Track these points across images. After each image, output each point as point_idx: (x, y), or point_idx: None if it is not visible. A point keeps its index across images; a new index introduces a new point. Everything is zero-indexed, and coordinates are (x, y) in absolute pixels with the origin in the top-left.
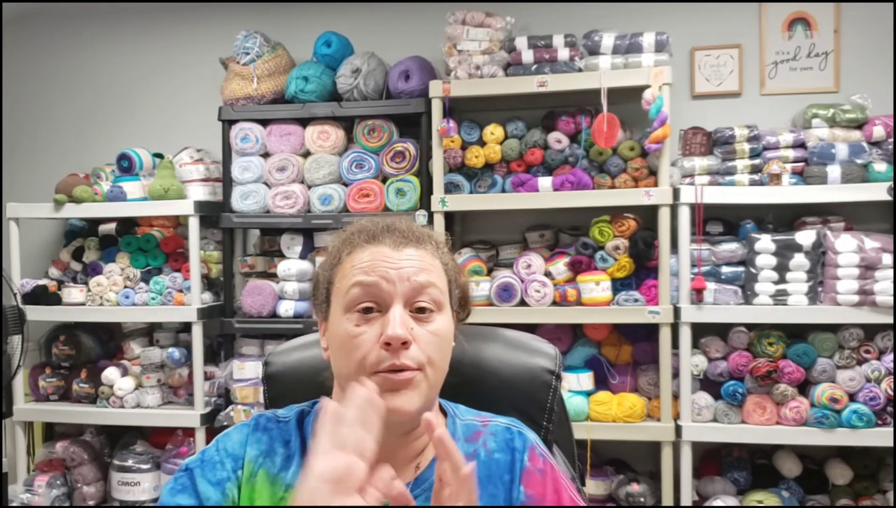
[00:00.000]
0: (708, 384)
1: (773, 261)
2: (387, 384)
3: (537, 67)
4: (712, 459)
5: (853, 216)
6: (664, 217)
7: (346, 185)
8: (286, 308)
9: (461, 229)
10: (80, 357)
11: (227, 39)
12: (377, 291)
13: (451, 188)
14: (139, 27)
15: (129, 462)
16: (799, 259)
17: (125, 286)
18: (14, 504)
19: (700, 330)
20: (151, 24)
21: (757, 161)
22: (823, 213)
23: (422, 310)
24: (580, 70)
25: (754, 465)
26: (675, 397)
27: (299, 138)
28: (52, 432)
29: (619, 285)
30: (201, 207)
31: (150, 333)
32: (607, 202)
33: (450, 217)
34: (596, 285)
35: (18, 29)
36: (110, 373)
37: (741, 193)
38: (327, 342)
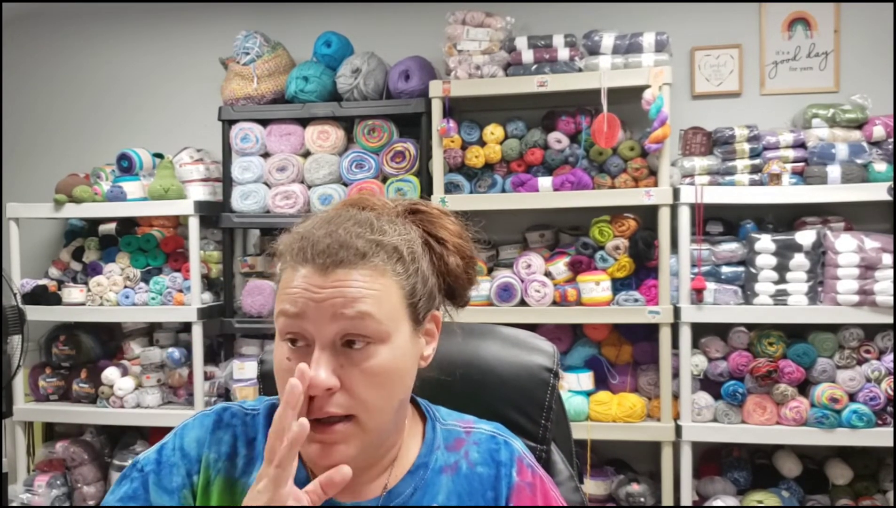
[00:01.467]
0: (708, 384)
1: (773, 261)
2: (316, 436)
3: (537, 66)
4: (712, 459)
5: (853, 216)
6: (664, 217)
7: (346, 185)
8: None
9: None
10: (80, 357)
11: (227, 39)
12: (301, 323)
13: (451, 188)
14: (139, 27)
15: (129, 462)
16: (799, 259)
17: (125, 286)
18: (14, 504)
19: (700, 330)
20: (151, 24)
21: (757, 161)
22: (823, 213)
23: (353, 343)
24: (580, 70)
25: (754, 465)
26: (675, 397)
27: (299, 138)
28: (52, 432)
29: (619, 285)
30: (201, 207)
31: (150, 333)
32: (607, 202)
33: None
34: (596, 285)
35: (18, 29)
36: (110, 373)
37: (741, 193)
38: None
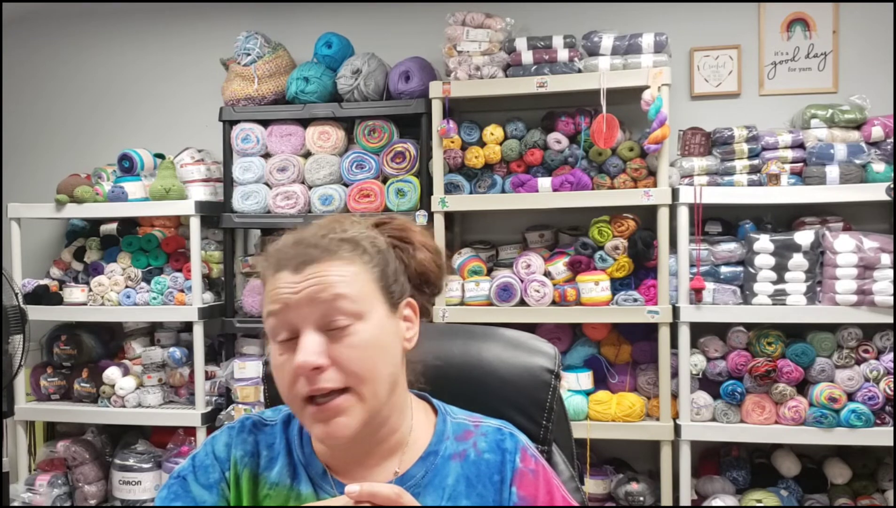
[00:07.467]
0: (707, 383)
1: (772, 261)
2: (318, 415)
3: (537, 67)
4: (711, 458)
5: (852, 216)
6: (663, 217)
7: (346, 185)
8: None
9: (461, 229)
10: (81, 357)
11: (228, 40)
12: (286, 318)
13: (451, 189)
14: (140, 27)
15: (131, 462)
16: (797, 259)
17: (126, 286)
18: (15, 504)
19: (699, 330)
20: (152, 25)
21: (756, 161)
22: (822, 213)
23: (337, 326)
24: (580, 71)
25: (753, 464)
26: (674, 396)
27: (300, 139)
28: (54, 431)
29: (618, 284)
30: (202, 207)
31: (151, 332)
32: (606, 202)
33: (450, 217)
34: (595, 285)
35: (18, 29)
36: (111, 373)
37: (740, 193)
38: None
